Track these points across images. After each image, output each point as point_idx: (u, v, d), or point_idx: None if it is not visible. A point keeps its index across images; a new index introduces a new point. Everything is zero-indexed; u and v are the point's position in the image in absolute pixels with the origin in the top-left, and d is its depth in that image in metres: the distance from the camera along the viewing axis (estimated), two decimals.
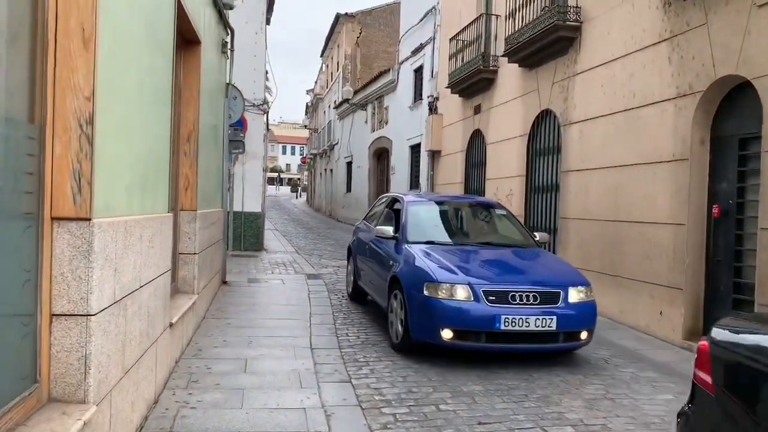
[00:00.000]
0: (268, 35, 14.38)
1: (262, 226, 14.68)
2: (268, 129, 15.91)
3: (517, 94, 11.35)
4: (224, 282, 9.54)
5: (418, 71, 18.49)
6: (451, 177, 14.91)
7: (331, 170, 32.42)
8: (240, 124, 13.65)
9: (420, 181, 17.90)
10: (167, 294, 4.89)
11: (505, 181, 11.72)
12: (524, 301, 5.54)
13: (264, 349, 5.90)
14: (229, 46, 9.29)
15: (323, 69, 38.70)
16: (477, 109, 13.37)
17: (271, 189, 47.64)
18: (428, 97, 16.67)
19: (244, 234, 14.37)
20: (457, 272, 5.78)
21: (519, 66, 11.12)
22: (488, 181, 12.61)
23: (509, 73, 11.73)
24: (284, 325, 6.94)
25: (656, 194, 7.36)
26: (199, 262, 6.75)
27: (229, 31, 9.16)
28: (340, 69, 30.00)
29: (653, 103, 7.46)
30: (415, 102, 18.64)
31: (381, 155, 23.09)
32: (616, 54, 8.28)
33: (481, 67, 12.44)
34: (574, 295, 5.73)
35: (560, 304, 5.61)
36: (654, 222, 7.37)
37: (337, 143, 30.35)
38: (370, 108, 23.75)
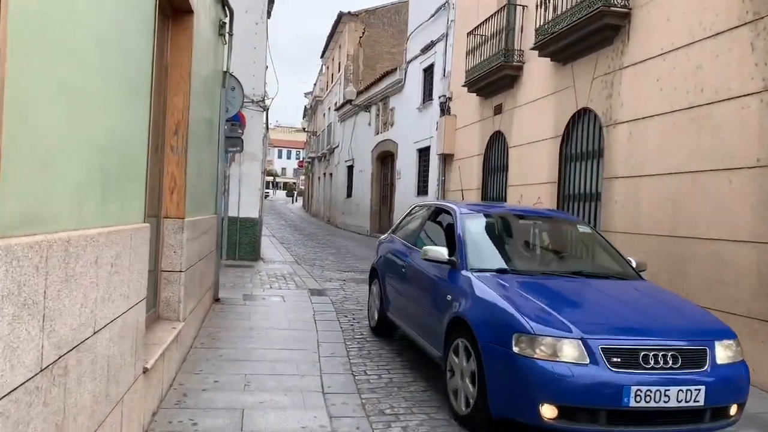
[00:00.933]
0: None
1: (259, 234, 13.47)
2: (267, 128, 14.72)
3: (548, 91, 10.20)
4: (216, 300, 8.32)
5: (428, 70, 17.35)
6: (466, 182, 13.74)
7: (331, 174, 31.23)
8: (237, 120, 12.47)
9: (429, 187, 16.72)
10: (140, 330, 3.69)
11: (532, 188, 10.56)
12: (660, 363, 3.83)
13: (265, 394, 4.68)
14: (227, 29, 8.11)
15: (323, 70, 37.57)
16: (498, 109, 12.21)
17: (267, 192, 46.40)
18: (440, 97, 15.52)
19: (240, 242, 13.14)
20: (559, 319, 4.02)
21: (551, 60, 9.97)
22: (511, 187, 11.44)
23: (538, 69, 10.58)
24: (288, 358, 5.72)
25: (732, 206, 6.19)
26: (186, 281, 5.54)
27: (228, 12, 7.98)
28: (342, 70, 28.86)
29: (729, 99, 6.30)
30: (424, 103, 17.49)
31: (385, 159, 21.93)
32: (677, 43, 7.12)
33: (504, 62, 11.29)
34: (722, 352, 4.04)
35: (707, 367, 3.92)
36: (730, 239, 6.20)
37: (337, 146, 29.18)
38: (374, 110, 22.60)
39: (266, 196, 46.32)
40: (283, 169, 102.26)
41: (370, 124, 23.02)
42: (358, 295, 9.52)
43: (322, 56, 36.26)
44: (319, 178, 36.57)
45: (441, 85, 15.75)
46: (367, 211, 23.09)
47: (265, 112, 13.37)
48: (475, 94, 13.17)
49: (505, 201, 11.70)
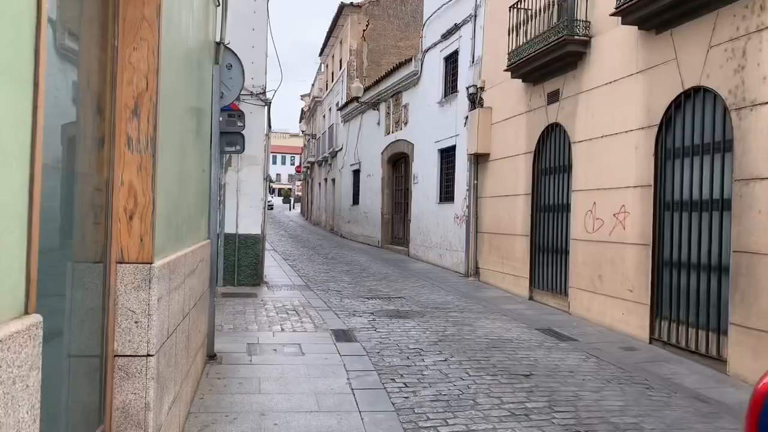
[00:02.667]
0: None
1: (261, 254, 11.18)
2: (270, 126, 12.43)
3: (633, 69, 7.97)
4: (212, 357, 6.02)
5: (451, 59, 15.11)
6: (509, 187, 11.48)
7: (333, 180, 28.95)
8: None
9: (455, 193, 14.47)
10: None
11: (612, 193, 8.31)
12: None
13: None
14: None
15: (322, 69, 35.32)
16: (553, 97, 9.98)
17: (270, 201, 43.95)
18: (468, 88, 13.27)
19: (239, 264, 10.84)
20: None
21: (639, 29, 7.74)
22: (577, 193, 9.18)
23: (617, 42, 8.35)
24: None
25: None
26: (160, 369, 3.26)
27: None
28: (344, 66, 26.61)
29: None
30: (445, 96, 15.24)
31: (398, 162, 19.67)
32: None
33: (567, 36, 9.05)
34: None
35: None
36: None
37: (340, 149, 26.90)
38: (383, 107, 20.34)
39: (269, 207, 43.77)
40: (278, 174, 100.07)
41: (379, 124, 20.77)
42: (398, 339, 7.23)
43: (320, 53, 34.00)
44: (319, 183, 34.28)
45: (469, 73, 13.51)
46: (377, 220, 20.83)
47: (266, 108, 11.09)
48: (520, 81, 10.93)
49: (569, 210, 9.45)
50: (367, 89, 21.69)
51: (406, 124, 18.27)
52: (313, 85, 39.02)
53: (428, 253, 15.99)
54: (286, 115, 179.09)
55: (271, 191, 76.61)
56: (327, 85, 32.30)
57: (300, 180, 52.78)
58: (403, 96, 18.51)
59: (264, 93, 10.92)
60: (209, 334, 6.00)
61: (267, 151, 11.69)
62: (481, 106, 12.74)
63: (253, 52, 10.80)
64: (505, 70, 10.98)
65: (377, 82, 20.49)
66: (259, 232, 10.98)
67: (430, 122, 16.15)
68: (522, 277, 10.87)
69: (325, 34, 31.01)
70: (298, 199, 58.17)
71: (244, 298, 9.58)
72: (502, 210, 11.77)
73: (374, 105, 20.95)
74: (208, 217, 5.88)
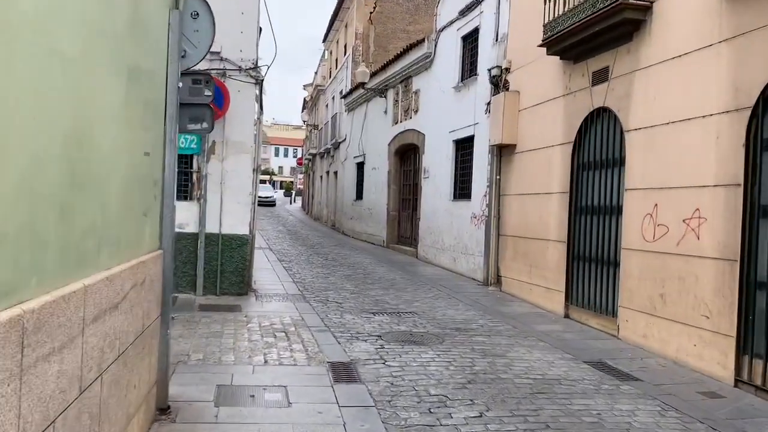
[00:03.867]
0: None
1: (249, 258, 9.53)
2: (262, 108, 10.76)
3: (713, 38, 6.30)
4: (163, 411, 4.40)
5: (470, 38, 13.44)
6: (540, 183, 9.84)
7: (336, 173, 27.30)
8: (218, 96, 8.64)
9: (472, 190, 12.81)
10: None
11: (680, 193, 6.66)
12: None
13: None
14: None
15: (325, 56, 33.61)
16: (599, 76, 8.32)
17: (269, 197, 42.02)
18: (491, 69, 11.60)
19: (222, 270, 9.22)
20: None
21: None
22: (632, 192, 7.53)
23: (689, 5, 6.68)
24: None
25: None
26: None
27: None
28: (349, 52, 24.92)
29: None
30: (462, 80, 13.57)
31: (406, 154, 18.00)
32: None
33: (624, 0, 7.38)
34: None
35: None
36: None
37: (343, 140, 25.22)
38: (391, 94, 18.65)
39: (270, 203, 40.78)
40: (280, 167, 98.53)
41: (386, 112, 19.08)
42: (415, 380, 5.60)
43: (324, 39, 32.28)
44: (321, 177, 32.63)
45: (492, 53, 11.84)
46: (382, 217, 19.18)
47: (257, 86, 9.44)
48: (557, 58, 9.27)
49: (620, 213, 7.80)
50: (373, 75, 20.00)
51: (416, 112, 16.59)
52: (315, 73, 37.29)
53: (440, 256, 14.35)
54: (289, 108, 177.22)
55: (272, 184, 75.06)
56: (330, 72, 30.60)
57: (302, 173, 51.15)
58: (413, 81, 16.82)
59: (255, 68, 9.27)
60: (160, 380, 4.37)
61: (258, 137, 10.05)
62: (506, 89, 11.07)
63: (242, 20, 9.17)
64: (540, 46, 9.30)
65: (385, 67, 18.80)
66: (247, 232, 9.35)
67: (444, 110, 14.48)
68: (555, 291, 9.23)
69: (329, 19, 29.29)
70: (299, 193, 56.52)
71: (225, 313, 7.96)
72: (531, 210, 10.12)
73: (381, 92, 19.26)
74: (160, 218, 4.24)
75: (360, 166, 22.49)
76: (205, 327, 7.09)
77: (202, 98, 4.76)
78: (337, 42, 29.01)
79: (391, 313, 8.68)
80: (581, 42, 8.44)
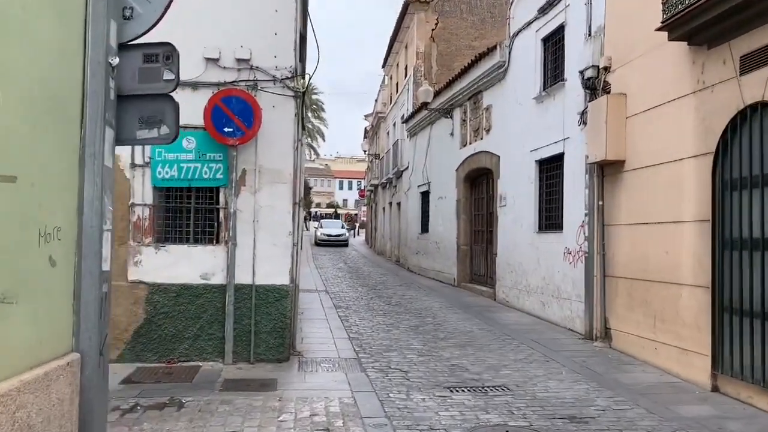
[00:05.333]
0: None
1: (291, 314, 7.57)
2: (303, 127, 8.89)
3: None
4: None
5: (552, 38, 11.30)
6: (663, 209, 7.52)
7: (399, 204, 25.37)
8: (247, 114, 6.92)
9: (563, 219, 10.53)
10: None
11: None
12: None
13: None
14: None
15: (385, 82, 32.04)
16: (753, 60, 6.02)
17: (328, 228, 37.81)
18: (584, 71, 9.42)
19: (257, 330, 7.33)
20: None
21: None
22: None
23: None
24: None
25: None
26: None
27: None
28: (410, 73, 23.15)
29: None
30: (545, 88, 11.40)
31: (477, 180, 15.85)
32: None
33: None
34: None
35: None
36: None
37: (406, 168, 23.32)
38: (458, 113, 16.63)
39: (340, 243, 33.40)
40: (345, 200, 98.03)
41: (452, 134, 17.04)
42: None
43: (383, 65, 30.76)
44: (383, 208, 30.79)
45: (585, 51, 9.66)
46: (452, 252, 17.00)
47: (297, 100, 7.62)
48: (683, 44, 7.02)
49: None
50: (437, 94, 18.06)
51: (488, 131, 14.47)
52: (376, 100, 35.78)
53: (524, 300, 12.04)
54: (353, 143, 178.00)
55: (336, 217, 74.16)
56: (391, 98, 28.94)
57: (365, 205, 49.60)
58: (483, 96, 14.75)
59: (293, 78, 7.47)
60: None
61: (299, 163, 8.19)
62: (607, 92, 8.85)
63: (276, 19, 7.42)
64: (659, 29, 7.08)
65: (450, 84, 16.82)
66: (287, 282, 7.44)
67: (523, 126, 12.32)
68: (695, 353, 6.82)
69: (387, 42, 27.75)
70: (363, 225, 54.96)
71: (254, 394, 6.00)
72: (650, 244, 7.78)
73: (446, 112, 17.25)
74: (74, 295, 2.32)
75: (425, 196, 20.47)
76: (219, 423, 5.14)
77: (159, 85, 2.86)
78: (397, 65, 27.37)
79: (474, 388, 6.50)
80: (723, 16, 6.19)
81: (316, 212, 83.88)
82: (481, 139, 14.87)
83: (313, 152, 72.74)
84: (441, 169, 18.15)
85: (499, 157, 13.76)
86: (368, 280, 18.36)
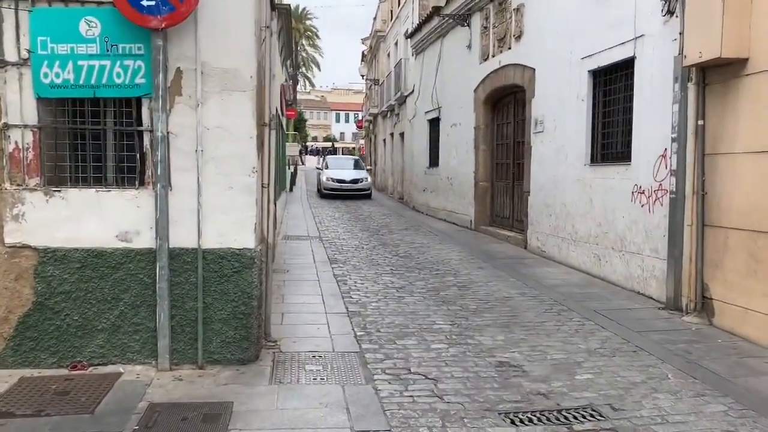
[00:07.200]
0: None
1: (263, 291, 5.05)
2: (274, 9, 6.01)
3: None
4: None
5: None
6: None
7: (401, 134, 22.59)
8: None
9: (632, 147, 7.91)
10: None
11: None
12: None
13: None
14: None
15: None
16: None
17: (335, 171, 27.48)
18: None
19: (207, 317, 4.83)
20: None
21: None
22: None
23: None
24: None
25: None
26: None
27: None
28: None
29: None
30: None
31: (502, 101, 13.08)
32: None
33: None
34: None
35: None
36: None
37: (411, 93, 20.41)
38: (477, 19, 13.65)
39: (359, 192, 23.59)
40: (342, 133, 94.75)
41: (470, 47, 14.11)
42: None
43: None
44: (384, 140, 28.01)
45: None
46: (468, 189, 14.40)
47: None
48: None
49: None
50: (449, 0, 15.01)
51: (518, 38, 11.60)
52: (374, 18, 32.26)
53: (568, 251, 9.55)
54: (348, 72, 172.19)
55: (333, 151, 70.90)
56: (392, 14, 25.62)
57: (363, 137, 46.69)
58: None
59: None
60: None
61: (269, 62, 5.46)
62: None
63: None
64: None
65: None
66: (251, 244, 4.88)
67: (571, 26, 9.49)
68: None
69: None
70: (362, 160, 52.23)
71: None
72: None
73: (463, 18, 14.23)
74: None
75: (434, 124, 17.67)
76: None
77: None
78: None
79: (548, 415, 4.07)
80: None
81: (313, 146, 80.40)
82: (509, 48, 12.00)
83: (308, 83, 68.84)
84: (455, 91, 15.30)
85: (533, 70, 10.95)
86: (369, 222, 15.84)
